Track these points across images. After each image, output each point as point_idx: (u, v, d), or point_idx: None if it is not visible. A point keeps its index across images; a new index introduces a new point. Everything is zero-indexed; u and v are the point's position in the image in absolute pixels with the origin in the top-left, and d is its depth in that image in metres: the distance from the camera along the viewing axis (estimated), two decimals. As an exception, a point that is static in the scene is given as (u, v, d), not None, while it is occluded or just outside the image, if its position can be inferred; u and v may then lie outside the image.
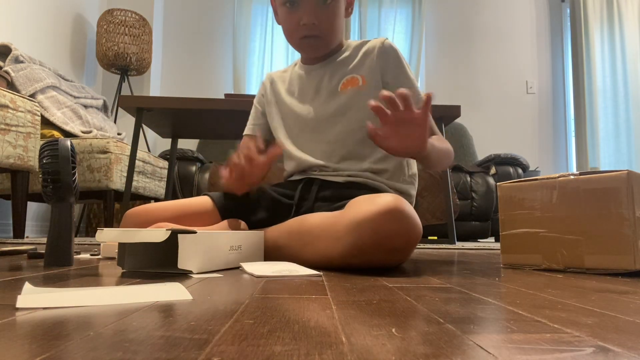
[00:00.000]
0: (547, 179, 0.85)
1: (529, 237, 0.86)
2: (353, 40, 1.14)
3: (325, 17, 1.00)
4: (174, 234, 0.67)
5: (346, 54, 1.11)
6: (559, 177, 0.84)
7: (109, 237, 0.68)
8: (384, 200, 0.74)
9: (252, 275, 0.67)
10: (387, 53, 1.07)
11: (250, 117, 1.22)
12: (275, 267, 0.73)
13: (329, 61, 1.11)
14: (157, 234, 0.66)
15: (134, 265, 0.74)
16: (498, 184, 0.95)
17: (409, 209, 0.74)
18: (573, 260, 0.80)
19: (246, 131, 1.22)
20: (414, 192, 1.10)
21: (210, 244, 0.72)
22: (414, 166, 1.12)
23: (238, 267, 0.79)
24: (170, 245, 0.80)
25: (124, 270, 0.73)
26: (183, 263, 0.67)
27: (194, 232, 0.68)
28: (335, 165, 1.05)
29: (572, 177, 0.81)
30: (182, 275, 0.67)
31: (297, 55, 1.32)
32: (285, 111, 1.14)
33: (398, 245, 0.73)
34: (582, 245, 0.79)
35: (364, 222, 0.73)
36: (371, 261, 0.75)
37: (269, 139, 1.21)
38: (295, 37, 1.04)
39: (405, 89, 1.01)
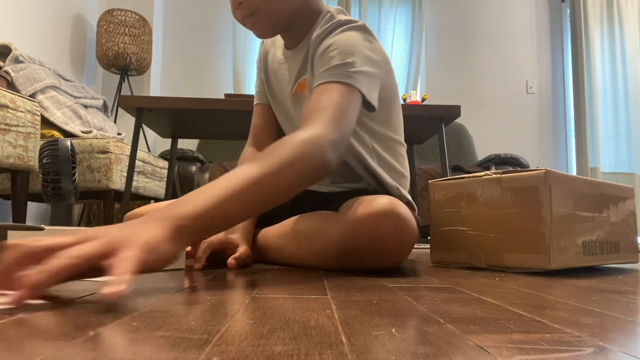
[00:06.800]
0: (473, 177, 0.85)
1: (456, 235, 0.87)
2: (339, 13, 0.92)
3: None
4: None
5: (314, 36, 0.89)
6: (483, 175, 0.84)
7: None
8: (380, 202, 0.72)
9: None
10: (326, 43, 0.84)
11: (256, 83, 1.10)
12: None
13: (304, 43, 0.93)
14: None
15: None
16: (429, 181, 0.95)
17: (405, 211, 0.73)
18: (494, 258, 0.80)
19: (255, 99, 1.09)
20: (405, 187, 1.02)
21: None
22: (404, 163, 1.03)
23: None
24: None
25: None
26: None
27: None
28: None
29: (495, 175, 0.81)
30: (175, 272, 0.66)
31: None
32: (274, 101, 1.05)
33: (393, 248, 0.71)
34: (502, 244, 0.79)
35: (359, 225, 0.71)
36: (366, 264, 0.74)
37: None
38: (240, 23, 0.88)
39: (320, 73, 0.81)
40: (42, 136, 2.26)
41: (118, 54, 3.11)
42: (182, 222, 0.50)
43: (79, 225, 3.17)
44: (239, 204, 0.56)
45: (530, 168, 0.79)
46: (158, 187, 2.73)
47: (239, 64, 3.72)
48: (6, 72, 2.18)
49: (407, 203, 0.98)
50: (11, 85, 2.19)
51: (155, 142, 3.71)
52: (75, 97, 2.62)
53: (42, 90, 2.34)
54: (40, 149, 0.75)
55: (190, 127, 2.10)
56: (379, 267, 0.75)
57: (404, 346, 0.29)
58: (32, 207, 2.85)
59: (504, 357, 0.27)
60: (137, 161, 2.46)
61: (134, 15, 3.18)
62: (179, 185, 2.85)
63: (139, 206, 1.04)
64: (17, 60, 2.30)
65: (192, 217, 0.51)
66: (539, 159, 3.87)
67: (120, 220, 2.35)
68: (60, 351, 0.26)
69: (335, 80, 0.77)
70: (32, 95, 2.27)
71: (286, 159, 0.62)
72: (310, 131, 0.67)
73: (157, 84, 3.71)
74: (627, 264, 0.99)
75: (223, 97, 3.04)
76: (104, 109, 2.93)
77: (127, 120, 3.44)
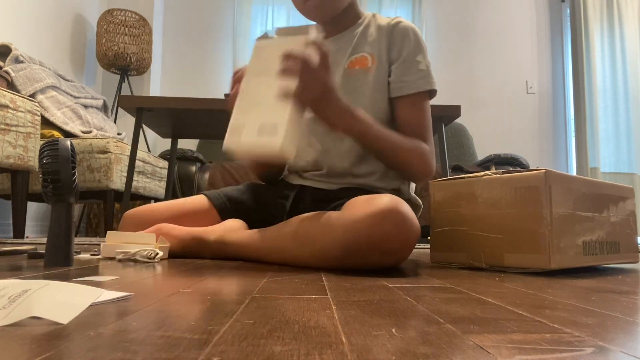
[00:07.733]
0: (473, 177, 0.85)
1: (456, 235, 0.87)
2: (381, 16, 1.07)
3: None
4: None
5: (363, 27, 1.03)
6: (483, 175, 0.84)
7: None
8: (381, 201, 0.72)
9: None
10: (399, 28, 1.00)
11: None
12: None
13: (344, 34, 1.04)
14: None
15: None
16: (430, 181, 0.94)
17: (407, 210, 0.73)
18: (494, 258, 0.80)
19: None
20: (406, 189, 1.04)
21: None
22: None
23: None
24: None
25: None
26: None
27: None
28: (325, 171, 1.01)
29: (495, 175, 0.81)
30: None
31: None
32: None
33: (394, 247, 0.71)
34: (502, 243, 0.79)
35: (360, 223, 0.71)
36: (367, 263, 0.74)
37: None
38: (300, 2, 0.98)
39: (404, 67, 0.98)
40: (42, 136, 2.26)
41: (118, 54, 3.11)
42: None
43: (78, 225, 3.17)
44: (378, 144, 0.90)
45: (530, 168, 0.79)
46: (158, 187, 2.73)
47: (239, 64, 3.72)
48: (6, 72, 2.18)
49: (412, 200, 0.98)
50: (11, 85, 2.19)
51: (155, 142, 3.71)
52: (75, 97, 2.62)
53: (42, 90, 2.34)
54: (40, 149, 0.75)
55: (190, 127, 2.10)
56: (381, 266, 0.75)
57: (404, 346, 0.29)
58: (32, 207, 2.85)
59: (504, 357, 0.27)
60: (137, 161, 2.46)
61: (134, 15, 3.18)
62: (178, 185, 2.84)
63: (139, 206, 1.04)
64: (17, 60, 2.30)
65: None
66: (539, 159, 3.87)
67: (119, 221, 2.35)
68: (61, 351, 0.26)
69: (426, 90, 1.01)
70: (32, 95, 2.27)
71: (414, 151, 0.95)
72: (426, 147, 0.97)
73: (157, 84, 3.70)
74: (627, 264, 0.99)
75: (223, 97, 3.04)
76: (104, 109, 2.93)
77: (127, 120, 3.44)
